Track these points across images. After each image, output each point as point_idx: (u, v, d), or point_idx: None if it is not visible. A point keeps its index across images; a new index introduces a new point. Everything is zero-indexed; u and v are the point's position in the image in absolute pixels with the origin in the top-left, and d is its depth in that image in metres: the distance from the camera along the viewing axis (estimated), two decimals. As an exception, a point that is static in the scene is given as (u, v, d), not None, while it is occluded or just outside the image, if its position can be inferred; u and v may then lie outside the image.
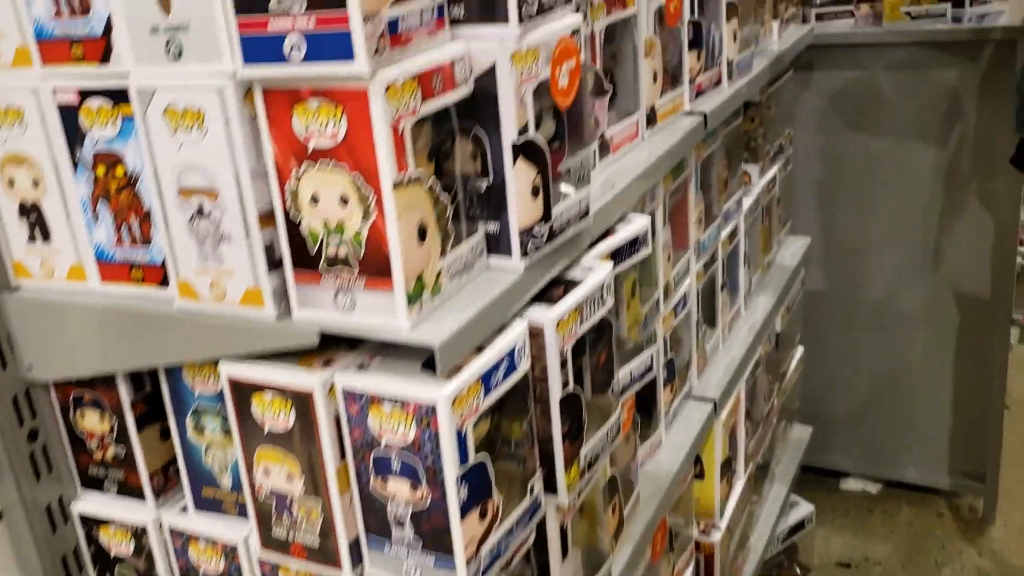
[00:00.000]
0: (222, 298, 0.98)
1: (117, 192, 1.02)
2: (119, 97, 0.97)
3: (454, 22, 0.97)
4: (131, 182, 1.01)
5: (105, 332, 1.07)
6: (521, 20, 0.96)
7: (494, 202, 1.01)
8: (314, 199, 0.90)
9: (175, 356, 1.04)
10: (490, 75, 0.96)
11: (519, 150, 0.99)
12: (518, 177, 1.00)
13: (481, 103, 0.98)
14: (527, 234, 1.03)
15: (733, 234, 1.94)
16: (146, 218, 1.02)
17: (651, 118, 1.46)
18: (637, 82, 1.42)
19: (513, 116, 0.98)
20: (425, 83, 0.89)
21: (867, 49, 2.55)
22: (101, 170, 1.02)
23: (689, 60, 1.56)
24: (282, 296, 0.95)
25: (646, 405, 1.59)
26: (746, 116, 2.06)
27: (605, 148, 1.35)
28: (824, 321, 2.83)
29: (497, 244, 1.03)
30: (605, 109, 1.33)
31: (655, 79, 1.46)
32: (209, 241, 0.95)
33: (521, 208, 1.01)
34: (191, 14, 0.88)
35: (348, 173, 0.87)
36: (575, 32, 1.05)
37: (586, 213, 1.13)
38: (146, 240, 1.03)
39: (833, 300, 2.83)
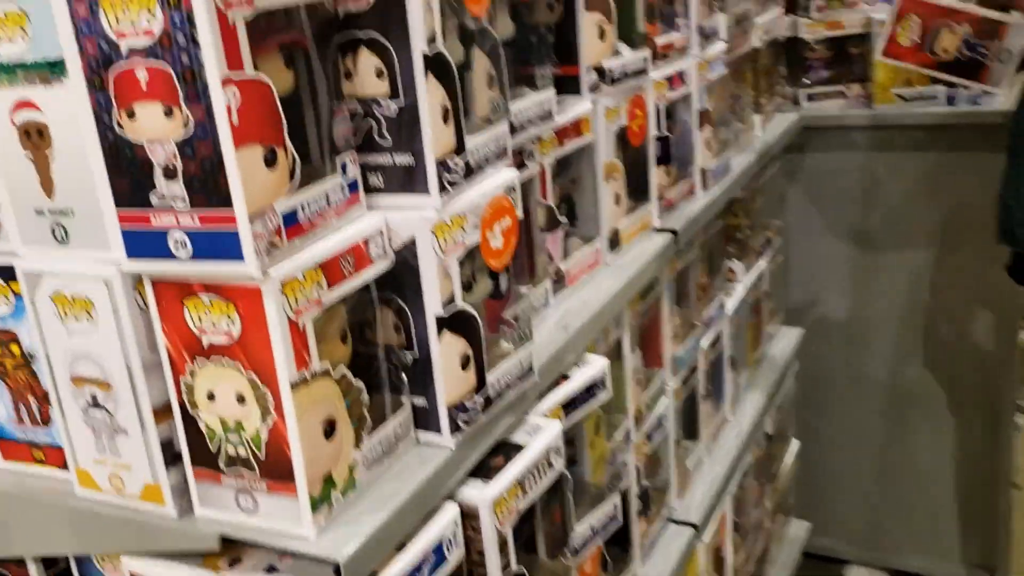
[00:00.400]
0: (121, 491, 0.90)
1: (14, 370, 0.95)
2: (10, 274, 0.90)
3: (373, 190, 0.90)
4: (27, 361, 0.94)
5: (6, 515, 0.99)
6: (444, 189, 0.88)
7: (420, 376, 0.94)
8: (211, 396, 0.82)
9: (77, 547, 0.96)
10: (411, 246, 0.89)
11: (444, 323, 0.92)
12: (445, 350, 0.93)
13: (403, 274, 0.90)
14: (458, 409, 0.95)
15: (716, 340, 1.84)
16: (45, 398, 0.95)
17: (614, 242, 1.39)
18: (598, 207, 1.34)
19: (437, 289, 0.90)
20: (331, 269, 0.81)
21: (859, 130, 2.48)
22: (-3, 346, 0.95)
23: (657, 176, 1.48)
24: (183, 492, 0.87)
25: (619, 538, 1.49)
26: (730, 211, 1.98)
27: (561, 281, 1.27)
28: (823, 406, 2.72)
29: (426, 420, 0.95)
30: (559, 243, 1.26)
31: (617, 202, 1.38)
32: (105, 432, 0.88)
33: (449, 382, 0.93)
34: (74, 200, 0.81)
35: (244, 372, 0.79)
36: (511, 189, 0.98)
37: (529, 371, 1.05)
38: (46, 420, 0.96)
39: (831, 384, 2.72)
